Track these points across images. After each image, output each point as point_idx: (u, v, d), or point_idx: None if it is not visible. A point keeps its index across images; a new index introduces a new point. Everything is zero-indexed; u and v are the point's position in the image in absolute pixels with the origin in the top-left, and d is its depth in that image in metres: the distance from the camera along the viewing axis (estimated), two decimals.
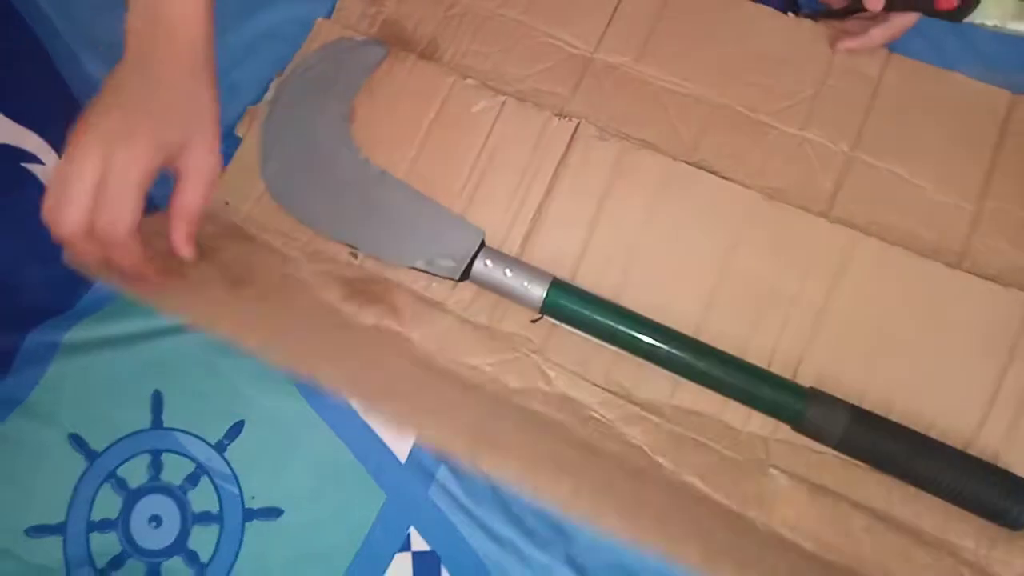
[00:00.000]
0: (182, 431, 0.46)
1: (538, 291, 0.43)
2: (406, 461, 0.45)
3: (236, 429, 0.46)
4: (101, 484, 0.45)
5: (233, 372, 0.47)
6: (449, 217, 0.47)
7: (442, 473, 0.44)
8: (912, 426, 0.41)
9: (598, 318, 0.42)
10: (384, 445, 0.45)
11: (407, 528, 0.44)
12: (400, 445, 0.45)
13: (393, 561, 0.43)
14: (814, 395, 0.41)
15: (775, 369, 0.43)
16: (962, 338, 0.43)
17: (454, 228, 0.46)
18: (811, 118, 0.50)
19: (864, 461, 0.41)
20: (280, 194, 0.49)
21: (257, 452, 0.46)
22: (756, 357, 0.43)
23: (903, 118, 0.49)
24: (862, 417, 0.40)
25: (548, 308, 0.43)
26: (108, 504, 0.45)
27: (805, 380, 0.43)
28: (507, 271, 0.43)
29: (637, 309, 0.43)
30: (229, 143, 0.53)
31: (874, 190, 0.48)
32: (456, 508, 0.44)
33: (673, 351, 0.42)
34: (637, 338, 0.42)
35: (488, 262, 0.44)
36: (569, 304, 0.43)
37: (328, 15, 0.56)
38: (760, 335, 0.44)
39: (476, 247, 0.45)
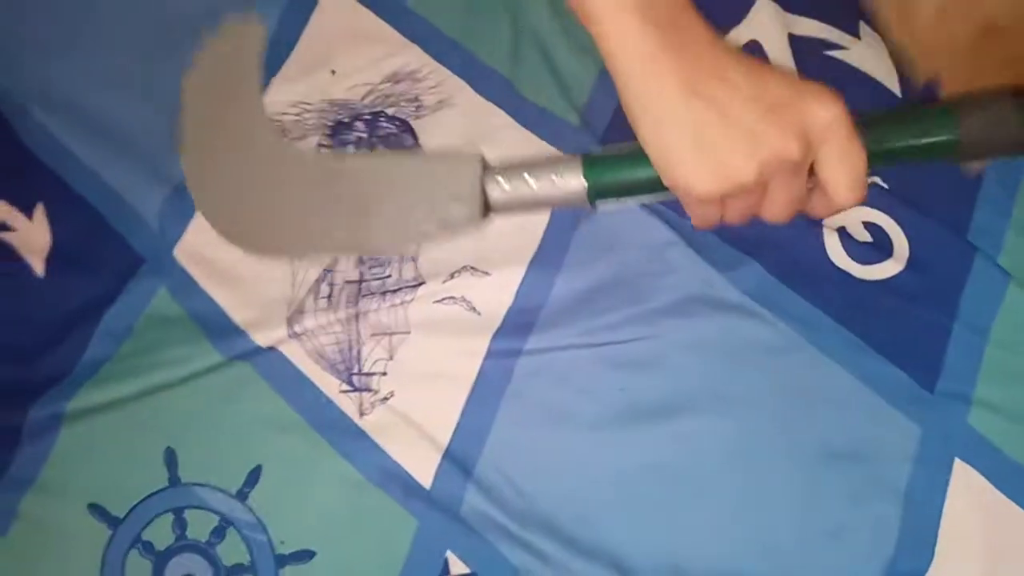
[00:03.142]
0: (201, 484, 0.45)
1: (575, 180, 0.34)
2: (432, 485, 0.43)
3: (255, 475, 0.45)
4: (128, 551, 0.44)
5: (243, 417, 0.46)
6: (427, 162, 0.38)
7: (471, 492, 0.43)
8: None
9: (649, 173, 0.32)
10: (406, 472, 0.43)
11: (444, 553, 0.42)
12: (423, 470, 0.43)
13: None
14: (965, 108, 0.30)
15: None
16: None
17: (442, 168, 0.37)
18: None
19: None
20: (227, 227, 0.39)
21: (279, 496, 0.44)
22: None
23: None
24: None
25: (595, 192, 0.34)
26: (138, 570, 0.44)
27: None
28: (526, 175, 0.34)
29: None
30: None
31: None
32: (490, 526, 0.42)
33: None
34: None
35: (500, 178, 0.34)
36: (616, 176, 0.34)
37: (279, 23, 0.53)
38: None
39: (479, 172, 0.35)
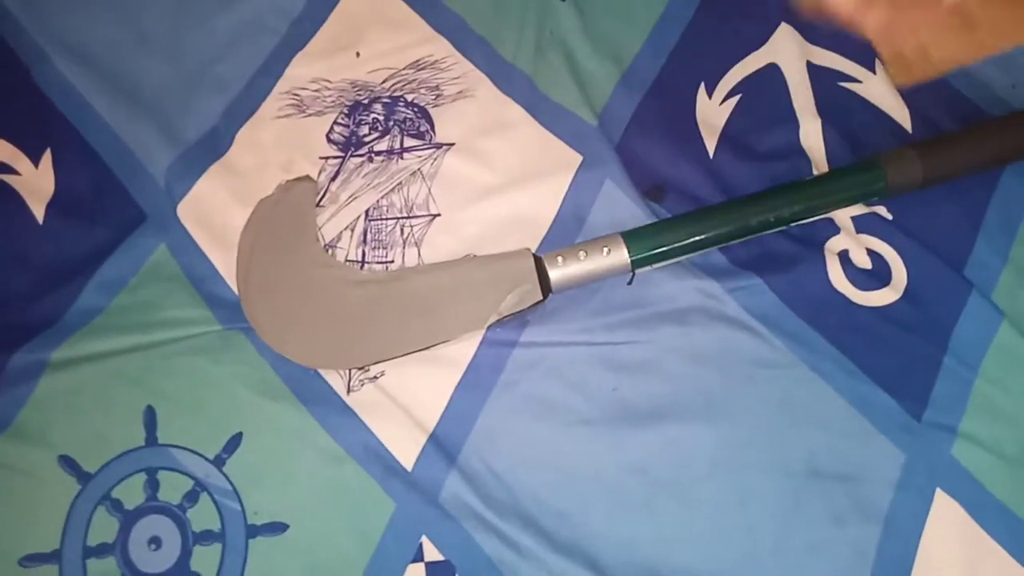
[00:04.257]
0: (178, 447, 0.44)
1: (621, 253, 0.42)
2: (413, 468, 0.43)
3: (234, 442, 0.44)
4: (96, 507, 0.43)
5: (229, 382, 0.45)
6: (483, 261, 0.45)
7: (453, 478, 0.42)
8: None
9: (680, 242, 0.43)
10: (389, 452, 0.43)
11: (419, 538, 0.42)
12: (406, 452, 0.43)
13: (405, 574, 0.41)
14: (886, 161, 0.42)
15: None
16: None
17: (499, 263, 0.44)
18: None
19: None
20: (296, 351, 0.45)
21: (257, 465, 0.44)
22: None
23: None
24: (929, 151, 0.42)
25: (638, 261, 0.43)
26: (104, 528, 0.43)
27: None
28: (581, 254, 0.42)
29: None
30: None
31: None
32: (469, 515, 0.41)
33: (759, 215, 0.43)
34: (723, 232, 0.43)
35: (560, 259, 0.43)
36: (652, 245, 0.43)
37: (308, 1, 0.53)
38: None
39: (531, 261, 0.43)
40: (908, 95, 0.47)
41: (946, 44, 0.44)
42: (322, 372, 0.45)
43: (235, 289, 0.47)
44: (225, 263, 0.48)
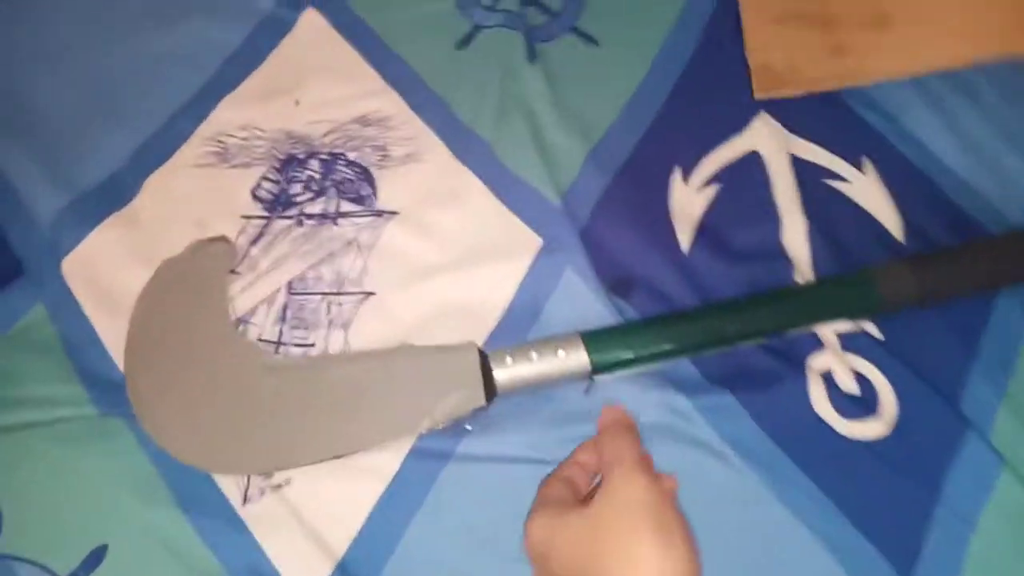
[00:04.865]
0: (24, 560, 0.36)
1: (579, 356, 0.37)
2: None
3: (96, 557, 0.36)
4: None
5: (98, 480, 0.37)
6: (420, 355, 0.39)
7: None
8: None
9: (647, 348, 0.38)
10: None
11: None
12: None
13: None
14: (879, 276, 0.39)
15: None
16: None
17: (438, 359, 0.38)
18: None
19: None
20: (185, 448, 0.38)
21: None
22: None
23: None
24: (923, 266, 0.39)
25: (598, 367, 0.37)
26: None
27: None
28: (533, 354, 0.37)
29: None
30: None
31: None
32: None
33: (737, 324, 0.39)
34: (696, 341, 0.38)
35: (509, 358, 0.37)
36: (615, 349, 0.37)
37: (246, 39, 0.48)
38: None
39: (476, 356, 0.37)
40: (900, 200, 0.43)
41: (818, 65, 0.45)
42: (215, 476, 0.38)
43: (120, 366, 0.40)
44: (112, 333, 0.40)
